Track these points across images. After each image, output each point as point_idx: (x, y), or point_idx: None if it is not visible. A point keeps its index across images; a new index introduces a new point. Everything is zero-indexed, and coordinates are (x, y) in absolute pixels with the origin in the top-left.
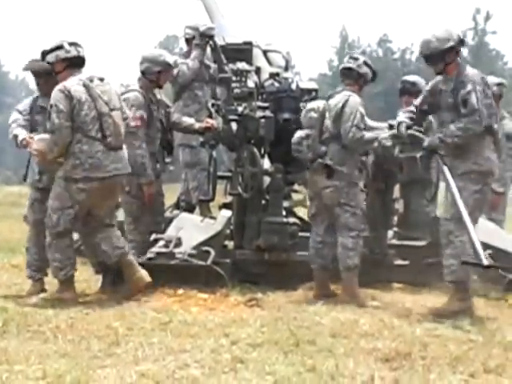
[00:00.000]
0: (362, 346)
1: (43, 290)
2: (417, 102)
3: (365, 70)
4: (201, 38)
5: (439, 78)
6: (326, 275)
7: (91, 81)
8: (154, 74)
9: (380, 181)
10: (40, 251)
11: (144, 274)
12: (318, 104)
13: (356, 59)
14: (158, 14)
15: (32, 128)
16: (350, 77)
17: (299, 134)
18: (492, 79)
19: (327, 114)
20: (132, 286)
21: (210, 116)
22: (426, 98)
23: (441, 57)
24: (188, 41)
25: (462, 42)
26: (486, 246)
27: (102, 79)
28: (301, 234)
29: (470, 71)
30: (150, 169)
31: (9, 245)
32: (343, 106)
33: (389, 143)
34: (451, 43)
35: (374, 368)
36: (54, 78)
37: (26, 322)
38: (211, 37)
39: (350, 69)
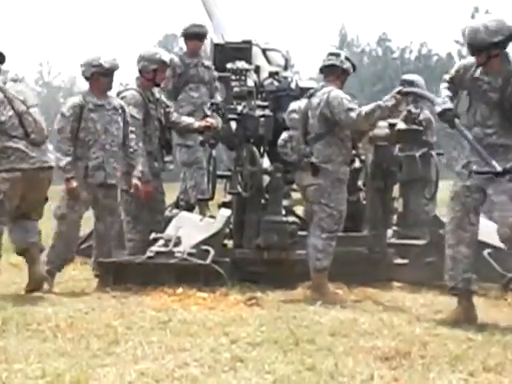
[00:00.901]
0: (361, 344)
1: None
2: (448, 76)
3: (347, 65)
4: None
5: (472, 61)
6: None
7: (4, 83)
8: (151, 72)
9: (379, 180)
10: None
11: (43, 276)
12: (300, 104)
13: (338, 55)
14: (156, 13)
15: None
16: (333, 73)
17: (283, 136)
18: None
19: (310, 113)
20: (30, 283)
21: (206, 116)
22: (456, 77)
23: (486, 49)
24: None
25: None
26: (485, 244)
27: (15, 80)
28: (300, 232)
29: None
30: (147, 168)
31: (8, 243)
32: (327, 104)
33: (391, 102)
34: (500, 37)
35: (374, 367)
36: None
37: (25, 320)
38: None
39: (333, 65)
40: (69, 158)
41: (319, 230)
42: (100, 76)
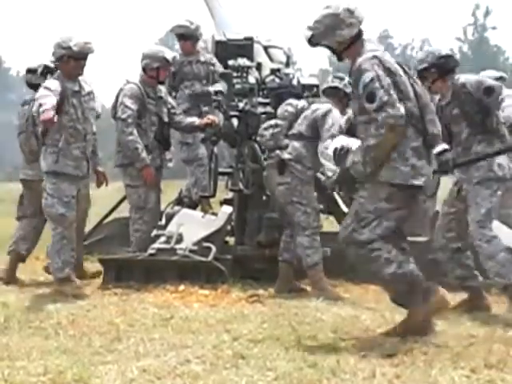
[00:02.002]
0: (363, 341)
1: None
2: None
3: (350, 89)
4: None
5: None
6: (290, 270)
7: None
8: (153, 69)
9: None
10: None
11: None
12: (299, 102)
13: (342, 79)
14: (158, 11)
15: None
16: (335, 95)
17: (270, 121)
18: (492, 73)
19: (303, 114)
20: None
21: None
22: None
23: (422, 76)
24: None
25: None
26: None
27: None
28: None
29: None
30: (145, 153)
31: (9, 241)
32: (325, 115)
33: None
34: (424, 65)
35: (376, 364)
36: None
37: (27, 318)
38: None
39: (336, 88)
40: None
41: (301, 229)
42: (69, 59)
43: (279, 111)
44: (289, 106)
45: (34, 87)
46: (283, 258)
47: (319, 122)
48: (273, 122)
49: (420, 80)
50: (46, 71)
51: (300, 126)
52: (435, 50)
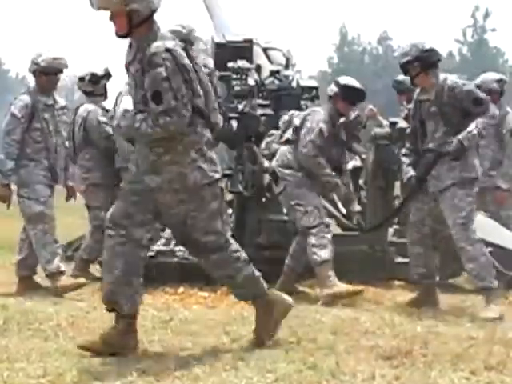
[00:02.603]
0: (362, 343)
1: None
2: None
3: (334, 90)
4: None
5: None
6: (292, 274)
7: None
8: None
9: (380, 178)
10: None
11: None
12: (296, 112)
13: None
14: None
15: None
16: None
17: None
18: (492, 75)
19: (294, 120)
20: None
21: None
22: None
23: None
24: None
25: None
26: (487, 243)
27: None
28: None
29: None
30: None
31: (9, 243)
32: (304, 120)
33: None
34: (407, 58)
35: (375, 365)
36: None
37: (26, 319)
38: None
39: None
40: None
41: (307, 230)
42: (40, 74)
43: (281, 120)
44: (286, 115)
45: (85, 93)
46: (288, 263)
47: (300, 125)
48: (271, 131)
49: (403, 73)
50: (94, 79)
51: (288, 133)
52: (418, 43)
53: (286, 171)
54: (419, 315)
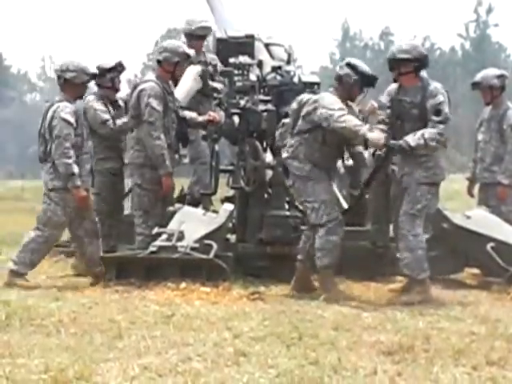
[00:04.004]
0: (364, 339)
1: None
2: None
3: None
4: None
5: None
6: (305, 269)
7: None
8: (172, 64)
9: (382, 174)
10: None
11: None
12: (304, 96)
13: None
14: (158, 7)
15: None
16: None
17: (283, 120)
18: (493, 71)
19: (304, 109)
20: None
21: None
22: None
23: (397, 66)
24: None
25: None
26: (488, 238)
27: None
28: (303, 227)
29: (437, 84)
30: (169, 160)
31: (12, 239)
32: (315, 109)
33: (374, 136)
34: (406, 55)
35: (377, 361)
36: None
37: (28, 315)
38: None
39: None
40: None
41: (316, 228)
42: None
43: (289, 110)
44: (294, 102)
45: (97, 86)
46: (298, 258)
47: (315, 109)
48: (282, 121)
49: (389, 68)
50: (100, 72)
51: (300, 124)
52: (418, 45)
53: (294, 163)
54: (421, 311)
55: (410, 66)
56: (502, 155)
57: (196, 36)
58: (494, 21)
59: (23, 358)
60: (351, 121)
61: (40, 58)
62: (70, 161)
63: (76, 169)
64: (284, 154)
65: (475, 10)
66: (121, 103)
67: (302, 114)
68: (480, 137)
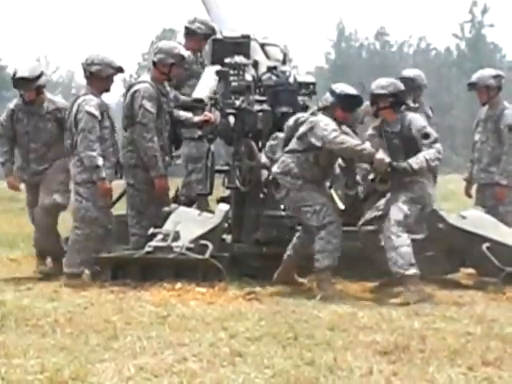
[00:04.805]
0: (360, 339)
1: None
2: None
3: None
4: None
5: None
6: (291, 264)
7: None
8: (167, 65)
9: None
10: None
11: None
12: (302, 116)
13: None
14: (154, 8)
15: None
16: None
17: (277, 134)
18: (489, 72)
19: (301, 128)
20: None
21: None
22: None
23: (375, 101)
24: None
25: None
26: (483, 238)
27: None
28: (299, 227)
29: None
30: (161, 162)
31: (7, 239)
32: (310, 129)
33: (372, 154)
34: (382, 91)
35: (373, 361)
36: None
37: (24, 315)
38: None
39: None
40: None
41: (316, 230)
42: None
43: (285, 125)
44: (291, 119)
45: None
46: (288, 253)
47: (310, 130)
48: (276, 134)
49: (370, 102)
50: None
51: (295, 142)
52: (396, 82)
53: (287, 178)
54: (417, 311)
55: (387, 101)
56: (499, 155)
57: (203, 35)
58: (490, 21)
59: (19, 358)
60: (349, 141)
61: (35, 58)
62: (95, 153)
63: (101, 161)
64: (275, 169)
65: (470, 11)
66: None
67: (298, 133)
68: (477, 137)
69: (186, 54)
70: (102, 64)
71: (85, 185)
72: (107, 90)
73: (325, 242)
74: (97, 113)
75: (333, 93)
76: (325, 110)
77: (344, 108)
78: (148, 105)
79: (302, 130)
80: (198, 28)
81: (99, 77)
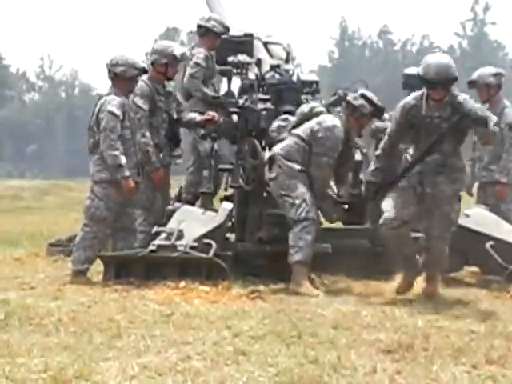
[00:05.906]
0: (363, 337)
1: None
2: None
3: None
4: None
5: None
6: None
7: None
8: (162, 65)
9: None
10: None
11: None
12: (317, 106)
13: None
14: (157, 7)
15: None
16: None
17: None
18: (489, 70)
19: (310, 122)
20: None
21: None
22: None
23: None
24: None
25: None
26: (487, 237)
27: None
28: None
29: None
30: (155, 156)
31: (10, 238)
32: (327, 131)
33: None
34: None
35: (376, 359)
36: None
37: (28, 314)
38: None
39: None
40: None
41: (292, 223)
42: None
43: (298, 110)
44: (306, 107)
45: None
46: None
47: (318, 136)
48: (285, 116)
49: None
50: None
51: (303, 131)
52: (372, 95)
53: (285, 162)
54: (420, 309)
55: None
56: (500, 154)
57: (218, 33)
58: (492, 19)
59: (23, 357)
60: (327, 183)
61: (39, 57)
62: (117, 152)
63: (123, 160)
64: (277, 149)
65: (472, 9)
66: None
67: (308, 124)
68: (477, 136)
69: (180, 52)
70: (127, 65)
71: (101, 184)
72: (131, 91)
73: (297, 237)
74: (118, 112)
75: (371, 102)
76: (352, 110)
77: (371, 117)
78: (140, 101)
79: (312, 124)
80: (213, 26)
81: (123, 78)
